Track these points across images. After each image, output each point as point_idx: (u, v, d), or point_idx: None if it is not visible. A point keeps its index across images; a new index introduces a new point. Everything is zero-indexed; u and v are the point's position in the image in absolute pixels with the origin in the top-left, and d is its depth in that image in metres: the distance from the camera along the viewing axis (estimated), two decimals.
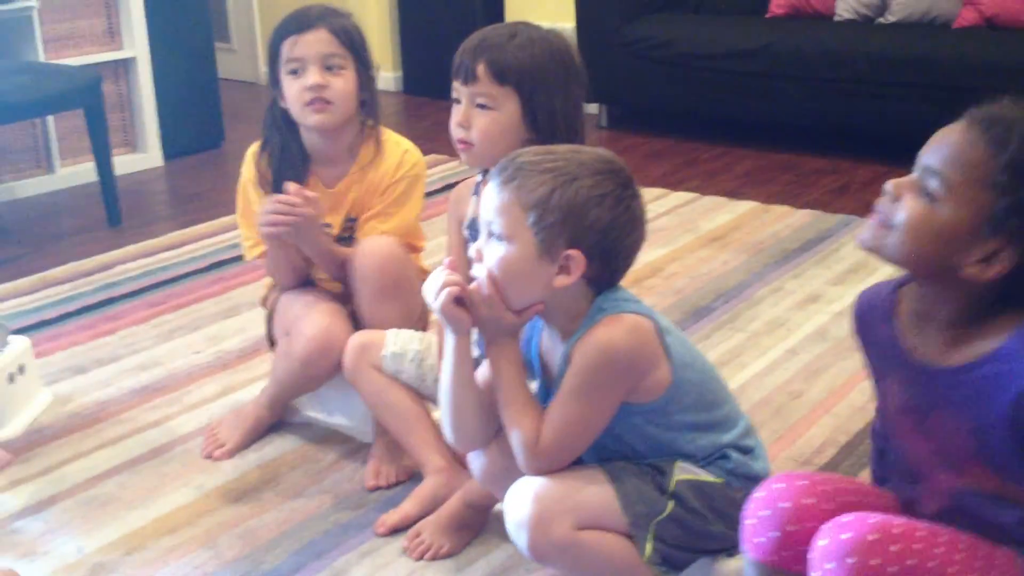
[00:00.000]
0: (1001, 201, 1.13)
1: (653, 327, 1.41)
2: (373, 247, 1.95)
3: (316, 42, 1.95)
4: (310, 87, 1.94)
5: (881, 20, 3.96)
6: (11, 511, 1.95)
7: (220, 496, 1.97)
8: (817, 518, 1.25)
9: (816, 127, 3.88)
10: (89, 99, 3.41)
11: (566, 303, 1.42)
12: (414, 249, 2.08)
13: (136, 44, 3.95)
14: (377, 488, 1.97)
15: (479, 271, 1.41)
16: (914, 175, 1.20)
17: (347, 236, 2.04)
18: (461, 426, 1.50)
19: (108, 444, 2.17)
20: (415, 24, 5.02)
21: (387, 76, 5.11)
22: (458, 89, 1.70)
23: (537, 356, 1.52)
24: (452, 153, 2.05)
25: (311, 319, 1.98)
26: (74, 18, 3.86)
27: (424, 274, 2.07)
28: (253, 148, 2.08)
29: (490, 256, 1.40)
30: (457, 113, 1.70)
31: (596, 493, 1.42)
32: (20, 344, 2.29)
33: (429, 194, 3.28)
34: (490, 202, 1.40)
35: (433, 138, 4.01)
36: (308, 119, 1.96)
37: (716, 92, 3.95)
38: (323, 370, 1.99)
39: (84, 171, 3.75)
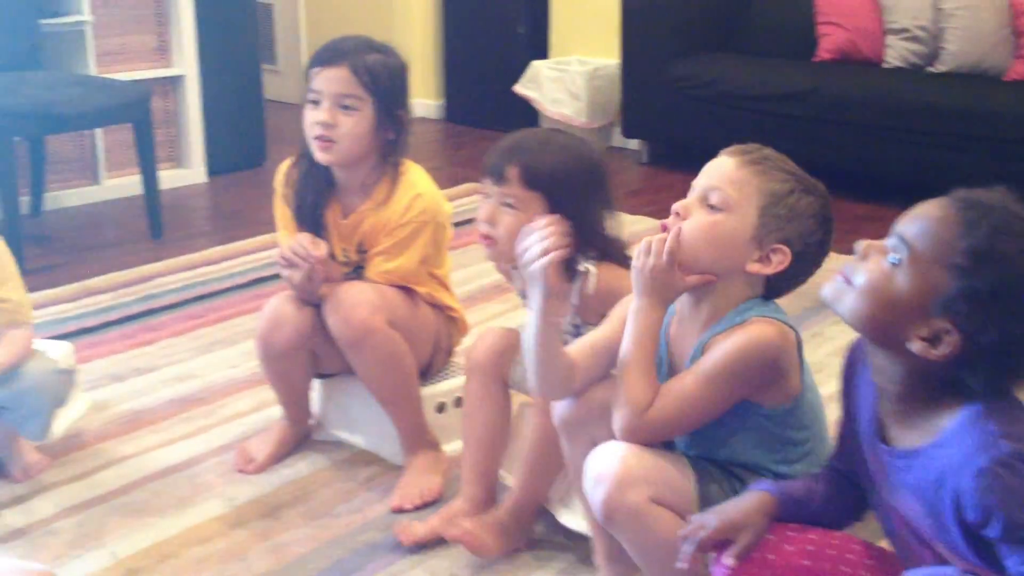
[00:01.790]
0: (955, 284, 1.14)
1: (795, 336, 1.46)
2: (338, 301, 1.97)
3: (334, 80, 1.98)
4: (318, 123, 1.99)
5: (931, 69, 3.95)
6: (48, 514, 1.98)
7: (251, 510, 1.99)
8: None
9: (860, 173, 3.87)
10: (138, 114, 3.47)
11: (732, 290, 1.45)
12: (413, 292, 2.07)
13: (185, 62, 4.02)
14: (401, 510, 1.99)
15: (675, 224, 1.45)
16: (886, 240, 1.22)
17: (361, 264, 2.09)
18: (545, 379, 1.54)
19: (143, 452, 2.19)
20: (459, 54, 5.08)
21: (429, 104, 5.17)
22: (488, 187, 1.77)
23: (664, 340, 1.54)
24: None
25: (268, 303, 2.09)
26: (126, 34, 3.94)
27: (437, 308, 2.11)
28: (285, 164, 2.13)
29: (700, 218, 1.44)
30: (484, 209, 1.77)
31: (678, 479, 1.45)
32: (63, 349, 2.32)
33: (463, 223, 3.33)
34: (724, 172, 1.45)
35: (473, 165, 4.03)
36: (314, 152, 2.01)
37: (759, 134, 3.86)
38: (274, 344, 2.05)
39: (129, 184, 3.81)
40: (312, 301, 2.04)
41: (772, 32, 4.31)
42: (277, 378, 2.13)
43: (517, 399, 1.94)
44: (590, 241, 1.75)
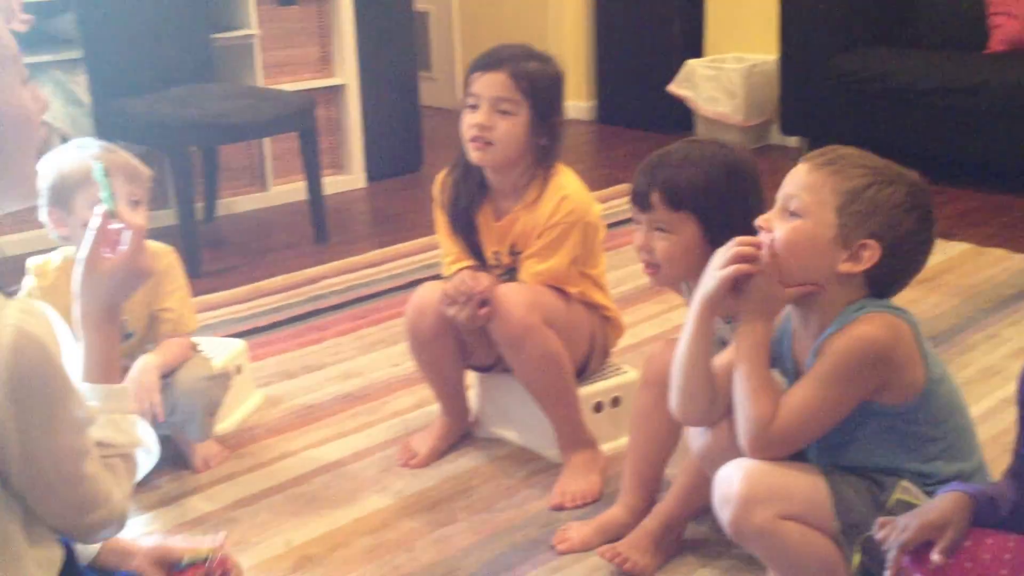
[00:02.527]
0: None
1: (910, 329, 1.42)
2: (495, 302, 1.99)
3: (493, 84, 2.02)
4: (475, 125, 2.02)
5: None
6: (226, 502, 2.08)
7: (416, 503, 2.04)
8: None
9: None
10: (303, 123, 3.60)
11: (835, 295, 1.43)
12: (567, 292, 2.08)
13: (346, 72, 4.15)
14: (561, 508, 2.00)
15: (766, 239, 1.45)
16: None
17: (514, 267, 2.11)
18: (690, 400, 1.53)
19: (314, 446, 2.28)
20: (611, 55, 5.07)
21: (581, 106, 5.18)
22: (637, 215, 1.76)
23: (790, 356, 1.52)
24: None
25: (415, 291, 2.16)
26: (291, 46, 4.10)
27: (591, 308, 2.12)
28: (442, 173, 2.18)
29: (780, 228, 1.44)
30: (638, 238, 1.77)
31: (809, 489, 1.43)
32: (238, 346, 2.44)
33: (616, 224, 3.32)
34: (798, 178, 1.44)
35: (626, 167, 4.03)
36: (470, 154, 2.05)
37: (928, 128, 3.81)
38: (420, 330, 2.11)
39: (295, 190, 3.97)
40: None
41: (940, 23, 4.14)
42: (427, 367, 2.18)
43: None
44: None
